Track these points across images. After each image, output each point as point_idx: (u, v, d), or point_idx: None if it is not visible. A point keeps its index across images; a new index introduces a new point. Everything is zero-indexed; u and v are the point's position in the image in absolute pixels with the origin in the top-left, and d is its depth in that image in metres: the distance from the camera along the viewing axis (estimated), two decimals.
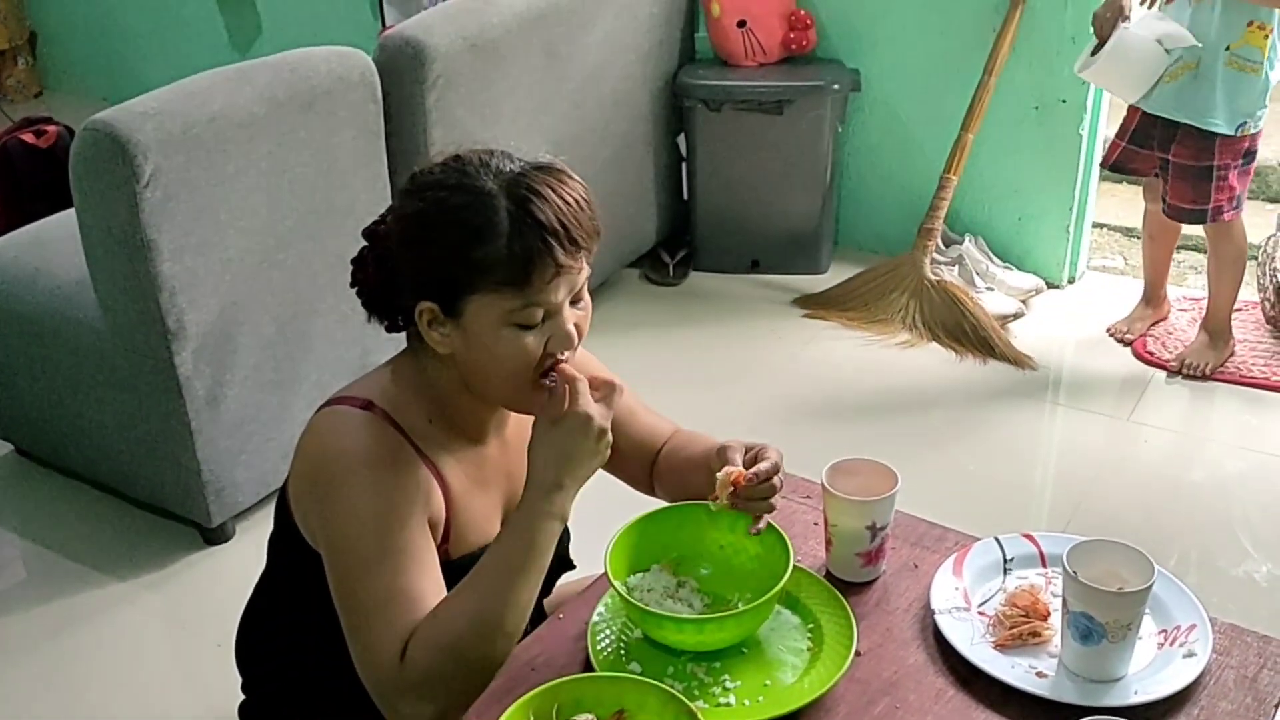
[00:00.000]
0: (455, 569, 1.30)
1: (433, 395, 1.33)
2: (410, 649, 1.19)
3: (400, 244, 1.27)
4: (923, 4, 3.30)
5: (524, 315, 1.24)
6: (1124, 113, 2.97)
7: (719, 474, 1.32)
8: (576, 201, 1.24)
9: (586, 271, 1.28)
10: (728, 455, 1.34)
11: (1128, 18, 2.76)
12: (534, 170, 1.25)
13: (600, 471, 1.55)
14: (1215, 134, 2.73)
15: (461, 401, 1.33)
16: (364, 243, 1.35)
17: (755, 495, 1.31)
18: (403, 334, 2.81)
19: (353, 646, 1.22)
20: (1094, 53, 2.82)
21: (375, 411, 1.29)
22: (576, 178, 1.27)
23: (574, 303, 1.28)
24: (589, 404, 1.25)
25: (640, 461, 1.52)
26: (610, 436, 1.26)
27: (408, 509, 1.25)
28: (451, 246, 1.22)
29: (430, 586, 1.23)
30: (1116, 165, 2.98)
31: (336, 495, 1.24)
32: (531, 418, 1.45)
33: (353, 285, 1.36)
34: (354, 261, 1.35)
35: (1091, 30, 2.83)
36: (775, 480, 1.31)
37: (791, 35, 3.41)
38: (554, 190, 1.23)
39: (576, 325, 1.29)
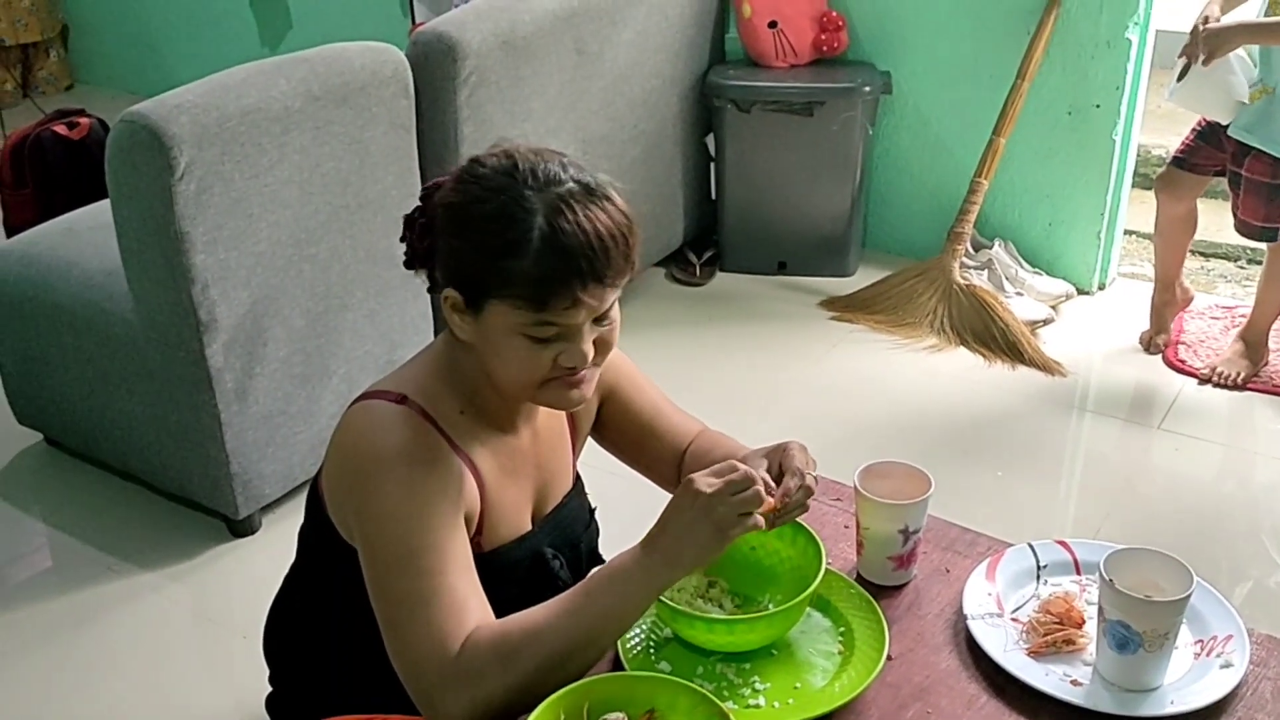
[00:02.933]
0: (488, 561, 1.30)
1: (464, 386, 1.33)
2: (468, 650, 1.17)
3: (439, 229, 1.28)
4: (956, 7, 3.29)
5: (536, 330, 1.23)
6: (1159, 120, 2.94)
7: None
8: (613, 235, 1.21)
9: (616, 294, 1.26)
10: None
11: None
12: (580, 191, 1.23)
13: (627, 468, 1.56)
14: None
15: (490, 392, 1.34)
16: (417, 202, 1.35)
17: (791, 507, 1.29)
18: (430, 331, 2.83)
19: (390, 641, 1.22)
20: (1180, 77, 2.79)
21: (410, 405, 1.29)
22: (621, 204, 1.25)
23: (600, 320, 1.26)
24: (709, 483, 1.16)
25: (667, 460, 1.51)
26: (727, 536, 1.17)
27: (444, 505, 1.24)
28: (481, 251, 1.23)
29: (469, 585, 1.23)
30: (1180, 159, 2.96)
31: (373, 492, 1.24)
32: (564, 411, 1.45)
33: (402, 239, 1.35)
34: (407, 218, 1.34)
35: (1180, 54, 2.77)
36: (809, 480, 1.29)
37: (823, 37, 3.40)
38: (593, 221, 1.20)
39: (603, 339, 1.28)
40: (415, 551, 1.21)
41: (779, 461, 1.29)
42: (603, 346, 1.28)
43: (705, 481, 1.16)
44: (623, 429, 1.51)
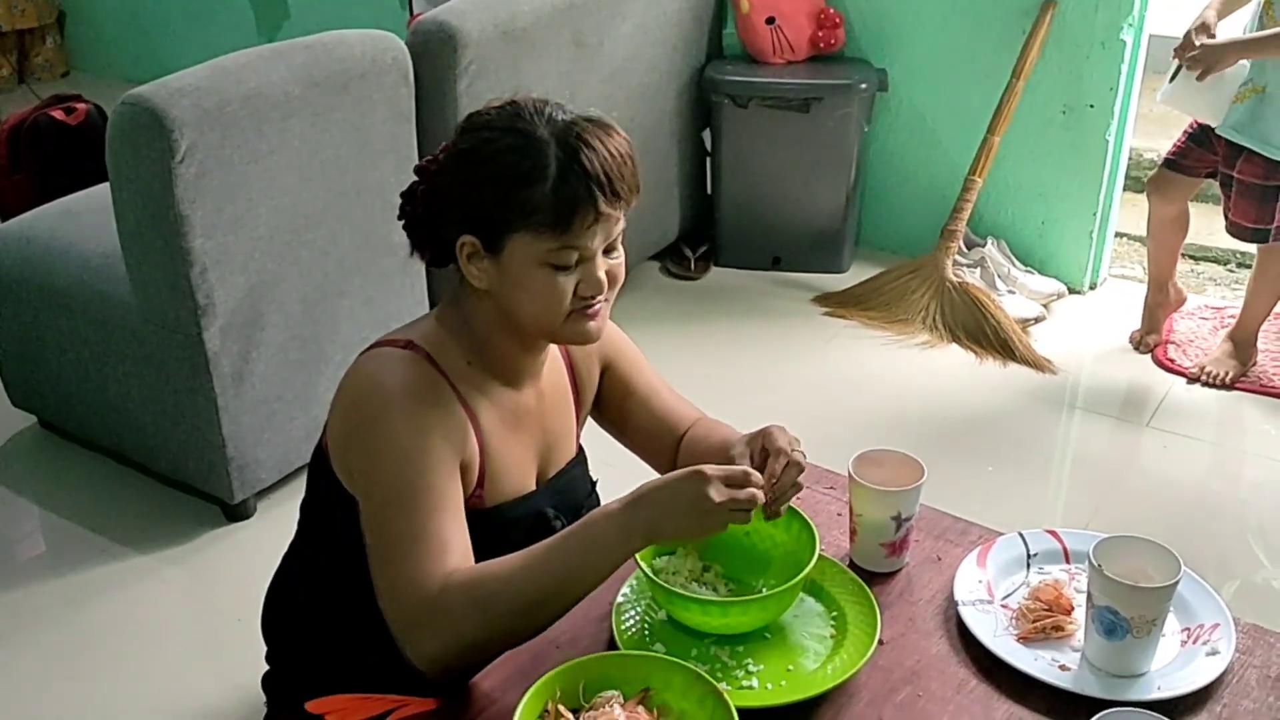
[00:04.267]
0: (490, 518, 1.33)
1: (472, 337, 1.37)
2: (445, 592, 1.20)
3: (450, 178, 1.32)
4: (952, 5, 3.31)
5: (559, 256, 1.28)
6: (1151, 124, 2.96)
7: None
8: (622, 155, 1.29)
9: (622, 223, 1.32)
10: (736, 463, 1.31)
11: (1213, 36, 2.76)
12: (585, 121, 1.30)
13: (625, 450, 1.58)
14: None
15: (499, 342, 1.37)
16: (415, 179, 1.39)
17: (781, 491, 1.30)
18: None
19: (379, 577, 1.25)
20: (1172, 78, 2.81)
21: (416, 350, 1.33)
22: (623, 134, 1.32)
23: (608, 252, 1.32)
24: (719, 491, 1.19)
25: (661, 442, 1.53)
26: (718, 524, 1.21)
27: (444, 446, 1.28)
28: (499, 185, 1.27)
29: (456, 527, 1.26)
30: (1171, 160, 2.98)
31: (376, 429, 1.28)
32: (567, 377, 1.49)
33: (400, 218, 1.39)
34: (403, 195, 1.39)
35: (1174, 55, 2.79)
36: (795, 456, 1.30)
37: (820, 33, 3.41)
38: (602, 142, 1.27)
39: (610, 273, 1.33)
40: (413, 489, 1.25)
41: (761, 446, 1.32)
42: (613, 279, 1.33)
43: (717, 485, 1.18)
44: (621, 403, 1.54)
